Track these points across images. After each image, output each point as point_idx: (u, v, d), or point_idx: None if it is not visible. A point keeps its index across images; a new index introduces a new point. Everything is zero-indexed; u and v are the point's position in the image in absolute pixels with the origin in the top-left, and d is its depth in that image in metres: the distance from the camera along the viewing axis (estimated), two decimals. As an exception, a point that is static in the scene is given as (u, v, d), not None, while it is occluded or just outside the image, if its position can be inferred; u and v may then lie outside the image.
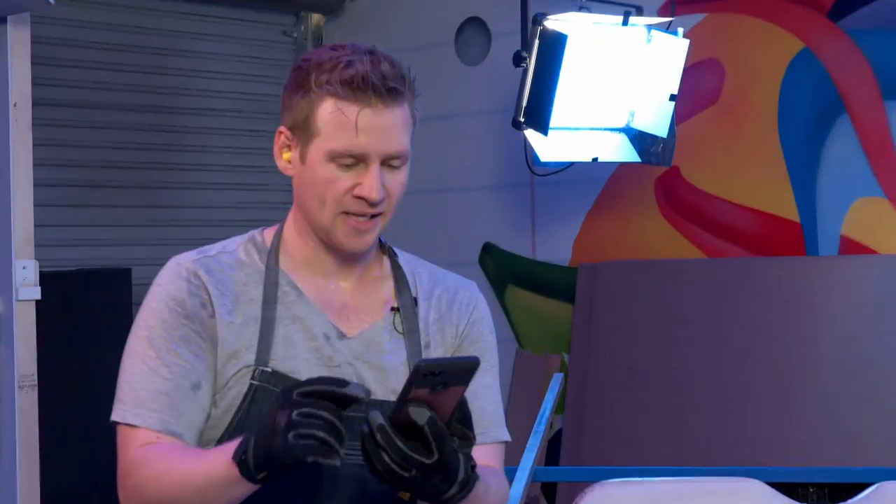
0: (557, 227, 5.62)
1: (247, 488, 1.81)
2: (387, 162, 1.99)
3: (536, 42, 4.35)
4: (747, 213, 5.14)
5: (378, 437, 1.71)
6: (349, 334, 2.06)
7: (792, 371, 4.81)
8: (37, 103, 4.44)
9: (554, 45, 4.28)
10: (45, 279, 4.41)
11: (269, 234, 2.12)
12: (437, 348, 2.11)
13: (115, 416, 1.98)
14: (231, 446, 1.81)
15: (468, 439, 1.80)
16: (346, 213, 1.99)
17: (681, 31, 4.53)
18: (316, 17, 6.36)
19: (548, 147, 4.46)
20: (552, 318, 5.60)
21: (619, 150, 4.65)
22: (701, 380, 4.96)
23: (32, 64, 4.39)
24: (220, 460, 1.82)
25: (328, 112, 1.96)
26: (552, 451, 5.33)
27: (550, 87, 4.29)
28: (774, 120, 5.08)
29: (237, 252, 2.08)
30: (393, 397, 1.82)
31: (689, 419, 4.94)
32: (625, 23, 4.44)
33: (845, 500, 2.17)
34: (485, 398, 2.12)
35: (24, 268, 4.31)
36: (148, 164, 5.74)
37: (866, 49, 4.87)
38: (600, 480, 2.19)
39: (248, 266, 2.07)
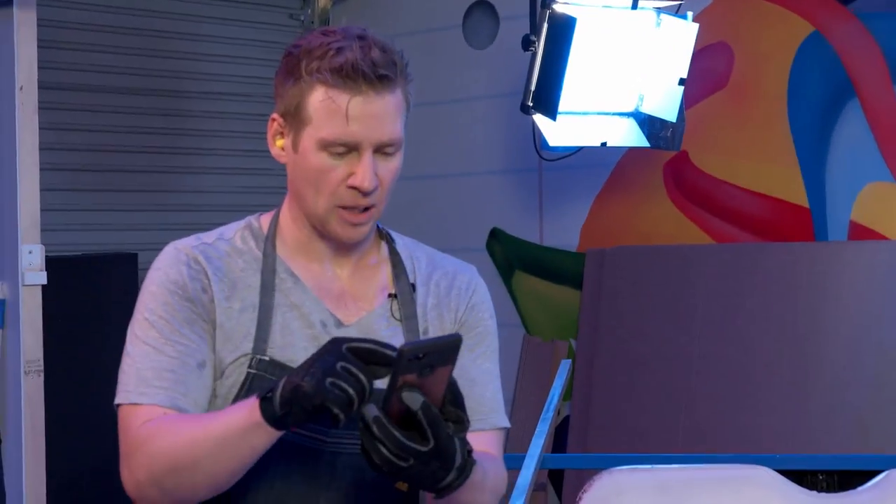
0: (565, 212, 5.60)
1: (264, 437, 1.80)
2: (380, 149, 1.97)
3: (545, 26, 4.33)
4: (756, 198, 5.12)
5: (374, 429, 1.69)
6: (347, 322, 2.04)
7: (801, 357, 4.79)
8: (43, 87, 4.44)
9: (563, 29, 4.26)
10: (51, 264, 4.41)
11: (265, 220, 2.11)
12: (435, 334, 2.10)
13: (118, 399, 1.96)
14: (252, 397, 1.81)
15: (462, 422, 1.78)
16: (341, 206, 1.98)
17: (690, 14, 4.51)
18: (323, 0, 6.34)
19: (556, 131, 4.44)
20: (560, 304, 5.58)
21: (628, 135, 4.63)
22: (709, 366, 4.95)
23: (38, 47, 4.39)
24: (240, 407, 1.82)
25: (319, 100, 1.94)
26: (560, 438, 5.32)
27: (559, 71, 4.27)
28: (784, 104, 5.06)
29: (234, 239, 2.07)
30: None
31: (697, 406, 4.93)
32: (634, 6, 4.42)
33: (855, 487, 2.15)
34: (484, 384, 2.10)
35: (29, 252, 4.31)
36: (154, 149, 5.74)
37: (877, 32, 4.85)
38: (608, 467, 2.18)
39: (245, 253, 2.06)
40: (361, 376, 1.72)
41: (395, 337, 2.06)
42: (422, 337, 2.08)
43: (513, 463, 2.28)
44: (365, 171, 1.95)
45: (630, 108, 4.61)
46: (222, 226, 2.12)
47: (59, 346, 4.65)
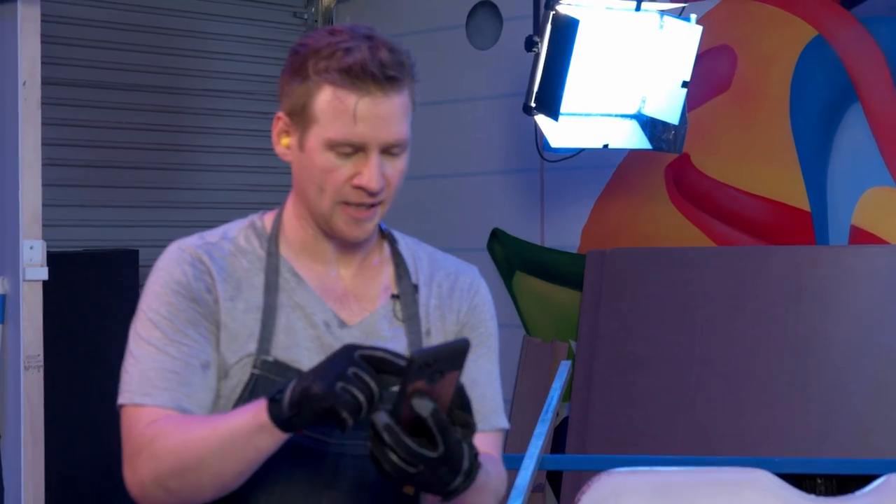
0: (567, 213, 5.60)
1: (270, 439, 1.80)
2: (386, 150, 1.97)
3: (548, 27, 4.33)
4: (757, 202, 5.12)
5: (385, 436, 1.70)
6: (349, 322, 2.04)
7: (801, 361, 4.79)
8: (46, 82, 4.44)
9: (566, 30, 4.26)
10: (53, 259, 4.40)
11: (268, 219, 2.11)
12: (437, 335, 2.10)
13: (122, 399, 1.95)
14: (258, 400, 1.82)
15: (469, 426, 1.79)
16: (346, 202, 1.98)
17: (694, 17, 4.51)
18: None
19: (558, 133, 4.44)
20: (560, 305, 5.58)
21: (630, 137, 4.63)
22: (709, 368, 4.95)
23: (42, 43, 4.38)
24: (247, 409, 1.83)
25: (326, 100, 1.94)
26: (558, 440, 5.32)
27: (562, 72, 4.27)
28: (786, 108, 5.06)
29: (238, 238, 2.07)
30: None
31: (697, 408, 4.93)
32: (637, 8, 4.42)
33: (853, 491, 2.15)
34: (484, 385, 2.11)
35: (31, 248, 4.31)
36: (157, 146, 5.73)
37: (880, 37, 4.85)
38: (607, 469, 2.18)
39: (249, 253, 2.05)
40: (372, 383, 1.73)
41: (397, 337, 2.06)
42: (423, 337, 2.08)
43: (511, 463, 2.29)
44: (372, 171, 1.95)
45: (632, 110, 4.61)
46: (225, 224, 2.11)
47: (60, 342, 4.65)
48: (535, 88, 4.38)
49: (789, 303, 4.86)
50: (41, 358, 4.31)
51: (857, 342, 4.72)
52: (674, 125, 4.56)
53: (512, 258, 5.76)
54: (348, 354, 1.76)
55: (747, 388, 4.85)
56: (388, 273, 2.12)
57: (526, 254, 5.72)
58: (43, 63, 4.37)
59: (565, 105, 4.32)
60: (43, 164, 4.38)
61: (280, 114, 2.02)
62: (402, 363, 1.74)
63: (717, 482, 2.16)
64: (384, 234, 2.15)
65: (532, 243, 5.70)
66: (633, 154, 5.31)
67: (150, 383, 1.94)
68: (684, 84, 4.47)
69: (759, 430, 4.77)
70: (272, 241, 2.06)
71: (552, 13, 4.32)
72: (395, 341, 2.05)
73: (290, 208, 2.08)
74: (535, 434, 3.83)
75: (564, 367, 4.51)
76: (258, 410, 1.80)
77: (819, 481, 3.72)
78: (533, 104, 4.39)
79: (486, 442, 2.06)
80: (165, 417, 1.91)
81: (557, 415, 5.24)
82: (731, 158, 5.18)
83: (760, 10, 5.13)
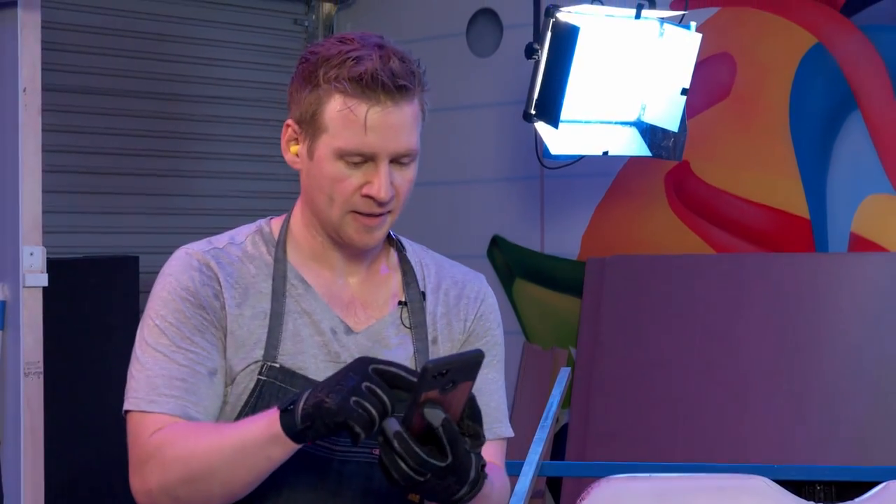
0: (566, 220, 5.60)
1: (282, 449, 1.81)
2: (396, 159, 1.97)
3: (549, 34, 4.33)
4: (757, 209, 5.12)
5: (395, 444, 1.71)
6: (356, 329, 2.04)
7: (800, 368, 4.79)
8: (46, 89, 4.44)
9: (566, 38, 4.26)
10: (53, 266, 4.40)
11: (276, 224, 2.10)
12: (444, 343, 2.10)
13: (128, 406, 1.94)
14: (272, 409, 1.82)
15: (479, 437, 1.80)
16: (355, 211, 1.97)
17: (693, 24, 4.51)
18: (327, 6, 6.35)
19: (558, 140, 4.44)
20: (560, 312, 5.58)
21: (630, 144, 4.63)
22: (708, 375, 4.95)
23: (42, 49, 4.38)
24: (259, 419, 1.83)
25: (336, 109, 1.93)
26: (558, 446, 5.32)
27: (562, 79, 4.27)
28: (786, 115, 5.06)
29: (245, 244, 2.06)
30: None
31: (697, 415, 4.93)
32: (637, 16, 4.42)
33: (852, 498, 2.15)
34: (489, 394, 2.11)
35: (31, 254, 4.31)
36: (157, 152, 5.74)
37: (879, 45, 4.85)
38: (606, 475, 2.18)
39: (256, 259, 2.04)
40: (385, 398, 1.74)
41: (404, 345, 2.06)
42: (430, 345, 2.08)
43: (511, 470, 2.28)
44: (381, 181, 1.94)
45: (632, 118, 4.61)
46: (232, 229, 2.10)
47: (60, 349, 4.65)
48: (535, 96, 4.38)
49: (789, 310, 4.86)
50: (41, 364, 4.31)
51: (856, 349, 4.72)
52: (673, 132, 4.56)
53: (512, 265, 5.76)
54: (363, 368, 1.76)
55: (746, 395, 4.85)
56: (396, 280, 2.11)
57: (526, 261, 5.72)
58: (43, 69, 4.37)
59: (565, 112, 4.32)
60: (43, 171, 4.38)
61: (289, 121, 2.01)
62: (415, 379, 1.75)
63: (716, 488, 2.16)
64: (392, 241, 2.14)
65: (532, 250, 5.70)
66: (632, 161, 5.31)
67: (156, 390, 1.93)
68: (684, 91, 4.47)
69: (758, 436, 4.77)
70: (280, 247, 2.05)
71: (552, 21, 4.32)
72: (402, 349, 2.05)
73: (298, 214, 2.08)
74: (535, 440, 3.82)
75: (564, 374, 4.49)
76: (270, 421, 1.80)
77: (818, 488, 3.71)
78: (533, 111, 4.39)
79: (490, 451, 2.06)
80: (172, 425, 1.91)
81: (557, 421, 5.24)
82: (731, 166, 5.19)
83: (760, 18, 5.14)
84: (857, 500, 2.14)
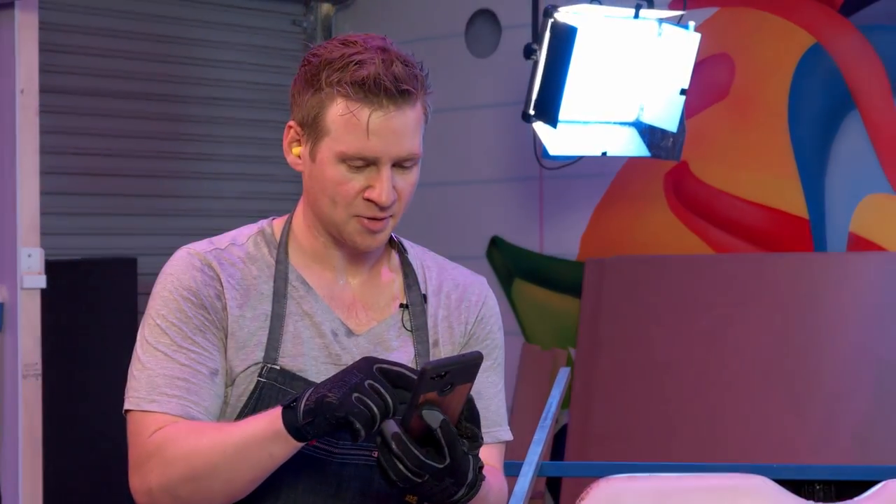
0: (565, 221, 5.60)
1: (284, 446, 1.81)
2: (398, 163, 1.96)
3: (547, 34, 4.33)
4: (756, 209, 5.12)
5: (393, 445, 1.71)
6: (357, 331, 2.04)
7: (799, 367, 4.79)
8: (44, 90, 4.44)
9: (564, 38, 4.26)
10: (51, 267, 4.40)
11: (278, 225, 2.09)
12: (445, 346, 2.09)
13: (128, 405, 1.94)
14: (274, 408, 1.83)
15: (477, 439, 1.80)
16: (358, 215, 1.97)
17: (692, 24, 4.51)
18: (326, 7, 6.35)
19: (557, 140, 4.44)
20: (559, 313, 5.58)
21: (629, 145, 4.64)
22: (707, 375, 4.95)
23: (40, 50, 4.38)
24: (261, 417, 1.84)
25: (338, 113, 1.92)
26: (557, 447, 5.32)
27: (560, 79, 4.28)
28: (784, 115, 5.06)
29: (247, 245, 2.05)
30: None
31: (696, 415, 4.93)
32: (636, 16, 4.42)
33: (852, 497, 2.15)
34: (489, 397, 2.10)
35: (29, 256, 4.31)
36: (155, 154, 5.74)
37: (878, 45, 4.85)
38: (605, 476, 2.17)
39: (258, 260, 2.04)
40: (388, 396, 1.74)
41: (405, 347, 2.05)
42: (430, 348, 2.07)
43: (510, 470, 2.28)
44: (383, 185, 1.94)
45: (631, 118, 4.61)
46: (234, 229, 2.10)
47: (58, 350, 4.65)
48: (534, 96, 4.38)
49: (788, 310, 4.86)
50: (39, 366, 4.30)
51: (855, 349, 4.72)
52: (672, 133, 4.56)
53: (511, 266, 5.76)
54: (366, 366, 1.77)
55: (746, 395, 4.85)
56: (397, 283, 2.10)
57: (525, 261, 5.72)
58: (41, 71, 4.36)
59: (564, 112, 4.32)
60: (41, 172, 4.38)
61: (291, 123, 2.00)
62: (412, 377, 1.76)
63: (715, 488, 2.15)
64: (393, 243, 2.14)
65: (531, 251, 5.70)
66: (631, 162, 5.31)
67: (157, 390, 1.92)
68: (682, 92, 4.48)
69: (757, 436, 4.77)
70: (282, 249, 2.05)
71: (551, 21, 4.32)
72: (403, 351, 2.05)
73: (300, 216, 2.07)
74: (535, 441, 3.82)
75: (563, 374, 4.49)
76: (273, 418, 1.80)
77: (818, 487, 3.70)
78: (532, 112, 4.39)
79: (489, 453, 2.06)
80: (173, 424, 1.91)
81: (557, 422, 5.24)
82: (730, 166, 5.19)
83: (758, 18, 5.14)
84: (855, 499, 2.13)
